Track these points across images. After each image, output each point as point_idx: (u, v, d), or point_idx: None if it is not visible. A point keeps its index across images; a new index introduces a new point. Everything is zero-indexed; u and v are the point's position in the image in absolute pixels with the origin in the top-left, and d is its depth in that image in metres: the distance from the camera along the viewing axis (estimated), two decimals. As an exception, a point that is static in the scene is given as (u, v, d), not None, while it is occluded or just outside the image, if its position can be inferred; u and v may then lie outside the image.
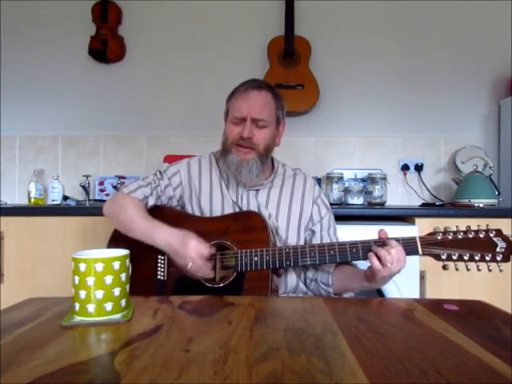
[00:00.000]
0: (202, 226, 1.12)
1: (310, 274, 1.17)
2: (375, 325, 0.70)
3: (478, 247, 0.91)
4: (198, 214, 1.19)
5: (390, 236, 0.98)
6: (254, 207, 1.17)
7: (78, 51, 2.33)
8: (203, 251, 1.00)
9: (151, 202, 1.18)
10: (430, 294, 1.62)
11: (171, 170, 1.22)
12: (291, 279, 1.16)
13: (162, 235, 1.05)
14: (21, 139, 2.34)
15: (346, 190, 2.07)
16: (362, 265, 1.06)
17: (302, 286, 1.18)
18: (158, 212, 1.17)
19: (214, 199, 1.19)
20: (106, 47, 2.27)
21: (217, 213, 1.17)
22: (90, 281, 0.70)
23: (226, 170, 1.18)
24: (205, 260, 1.00)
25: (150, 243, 1.06)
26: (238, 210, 1.17)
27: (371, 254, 0.94)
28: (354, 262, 1.11)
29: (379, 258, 0.93)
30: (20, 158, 2.34)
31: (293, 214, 1.19)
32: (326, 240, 1.18)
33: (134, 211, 1.11)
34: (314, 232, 1.20)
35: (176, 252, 1.02)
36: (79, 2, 2.33)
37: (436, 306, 0.82)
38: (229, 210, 1.17)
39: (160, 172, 1.22)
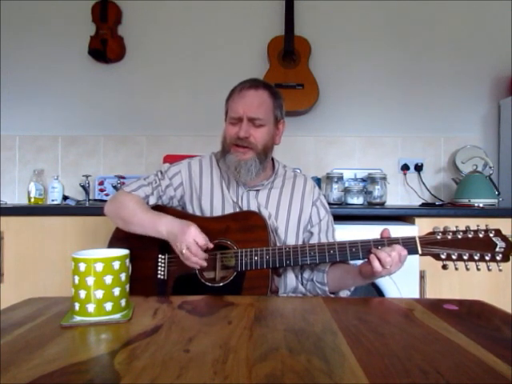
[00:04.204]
0: (202, 226, 1.11)
1: (306, 274, 1.18)
2: (375, 325, 0.70)
3: (477, 247, 0.91)
4: (198, 214, 1.19)
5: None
6: (254, 207, 1.17)
7: (77, 51, 2.33)
8: (200, 240, 1.01)
9: (152, 201, 1.18)
10: (430, 294, 1.62)
11: (172, 170, 1.23)
12: (290, 280, 1.17)
13: (165, 223, 1.06)
14: (21, 139, 2.34)
15: (346, 190, 2.07)
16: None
17: (301, 287, 1.18)
18: (159, 211, 1.17)
19: (215, 199, 1.19)
20: (106, 47, 2.27)
21: (217, 213, 1.18)
22: (90, 281, 0.70)
23: (225, 170, 1.19)
24: (199, 249, 1.01)
25: (153, 234, 1.07)
26: (238, 210, 1.18)
27: (372, 256, 0.95)
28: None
29: (379, 260, 0.93)
30: (20, 157, 2.34)
31: (292, 215, 1.19)
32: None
33: (136, 205, 1.12)
34: (312, 234, 1.20)
35: (175, 237, 1.03)
36: (79, 2, 2.33)
37: (436, 306, 0.82)
38: (229, 210, 1.17)
39: (161, 172, 1.23)
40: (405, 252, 0.94)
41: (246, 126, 1.11)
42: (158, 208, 1.18)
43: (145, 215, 1.09)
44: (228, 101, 1.18)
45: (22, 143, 2.34)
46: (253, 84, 1.14)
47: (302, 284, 1.19)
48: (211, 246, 1.03)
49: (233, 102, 1.14)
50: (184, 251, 1.00)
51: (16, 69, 2.35)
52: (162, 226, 1.06)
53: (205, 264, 1.02)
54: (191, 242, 1.00)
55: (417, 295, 1.58)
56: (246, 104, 1.11)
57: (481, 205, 1.86)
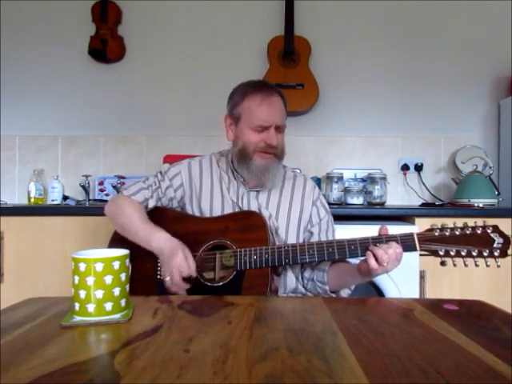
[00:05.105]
0: (201, 226, 1.12)
1: (307, 273, 1.18)
2: (375, 325, 0.70)
3: (475, 243, 0.92)
4: (198, 214, 1.19)
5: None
6: (254, 208, 1.17)
7: (77, 51, 2.33)
8: (184, 270, 1.00)
9: (151, 204, 1.18)
10: (430, 294, 1.62)
11: (172, 171, 1.22)
12: (290, 281, 1.17)
13: (158, 241, 1.05)
14: (21, 139, 2.34)
15: (346, 190, 2.07)
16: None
17: (300, 287, 1.18)
18: (159, 212, 1.17)
19: (215, 200, 1.19)
20: (106, 47, 2.27)
21: (217, 213, 1.17)
22: (90, 281, 0.70)
23: (246, 175, 1.16)
24: (181, 280, 1.01)
25: (146, 247, 1.07)
26: (238, 210, 1.17)
27: (368, 253, 0.95)
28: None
29: (376, 257, 0.93)
30: (20, 157, 2.34)
31: (292, 215, 1.19)
32: None
33: (133, 214, 1.11)
34: (312, 233, 1.20)
35: (163, 260, 1.04)
36: (79, 2, 2.33)
37: (436, 306, 0.82)
38: (229, 211, 1.17)
39: (161, 173, 1.22)
40: (400, 249, 0.94)
41: (275, 134, 1.11)
42: (157, 209, 1.18)
43: (140, 226, 1.09)
44: (241, 104, 1.13)
45: (22, 143, 2.34)
46: (273, 91, 1.13)
47: (303, 283, 1.19)
48: (194, 275, 1.03)
49: (258, 109, 1.10)
50: (167, 279, 1.01)
51: (16, 69, 2.35)
52: (154, 243, 1.05)
53: (184, 294, 1.02)
54: (174, 273, 1.00)
55: (417, 295, 1.58)
56: (274, 113, 1.11)
57: (481, 205, 1.86)
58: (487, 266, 0.90)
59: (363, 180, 2.21)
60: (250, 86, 1.15)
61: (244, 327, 0.67)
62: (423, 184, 2.26)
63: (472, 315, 0.78)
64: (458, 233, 0.93)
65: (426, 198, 2.25)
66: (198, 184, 1.21)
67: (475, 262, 0.91)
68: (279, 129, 1.13)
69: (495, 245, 0.90)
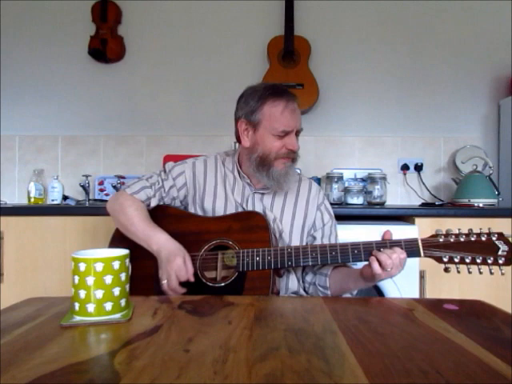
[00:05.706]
0: (204, 225, 1.12)
1: (309, 277, 1.18)
2: (375, 325, 0.70)
3: (479, 250, 0.91)
4: (200, 214, 1.19)
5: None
6: (259, 210, 1.16)
7: (77, 51, 2.33)
8: (182, 275, 1.00)
9: (154, 203, 1.18)
10: (430, 294, 1.62)
11: (176, 170, 1.21)
12: (292, 283, 1.16)
13: (157, 242, 1.05)
14: (21, 139, 2.34)
15: (346, 190, 2.07)
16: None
17: (302, 291, 1.18)
18: (161, 211, 1.17)
19: (218, 200, 1.18)
20: (106, 47, 2.27)
21: (219, 213, 1.17)
22: (90, 281, 0.70)
23: (266, 181, 1.13)
24: (178, 285, 1.01)
25: (146, 247, 1.07)
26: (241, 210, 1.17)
27: (372, 258, 0.95)
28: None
29: (379, 262, 0.93)
30: (20, 157, 2.34)
31: (297, 218, 1.19)
32: None
33: (134, 213, 1.10)
34: (314, 238, 1.20)
35: (161, 262, 1.04)
36: (79, 1, 2.33)
37: (436, 306, 0.82)
38: (231, 211, 1.16)
39: (165, 172, 1.21)
40: (404, 255, 0.94)
41: (295, 138, 1.12)
42: (159, 208, 1.18)
43: (140, 226, 1.08)
44: (263, 112, 1.10)
45: (22, 143, 2.34)
46: (293, 96, 1.13)
47: (304, 287, 1.19)
48: (192, 280, 1.02)
49: (282, 116, 1.08)
50: (164, 282, 1.01)
51: (16, 69, 2.35)
52: (154, 244, 1.05)
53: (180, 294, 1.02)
54: (172, 277, 1.00)
55: (417, 295, 1.58)
56: (296, 118, 1.11)
57: (481, 205, 1.86)
58: (491, 273, 0.89)
59: (363, 180, 2.21)
60: (268, 91, 1.11)
61: (244, 327, 0.67)
62: (423, 184, 2.26)
63: (472, 315, 0.78)
64: (462, 239, 0.93)
65: (426, 197, 2.25)
66: (201, 183, 1.20)
67: (479, 269, 0.91)
68: (298, 133, 1.14)
69: (500, 252, 0.90)
